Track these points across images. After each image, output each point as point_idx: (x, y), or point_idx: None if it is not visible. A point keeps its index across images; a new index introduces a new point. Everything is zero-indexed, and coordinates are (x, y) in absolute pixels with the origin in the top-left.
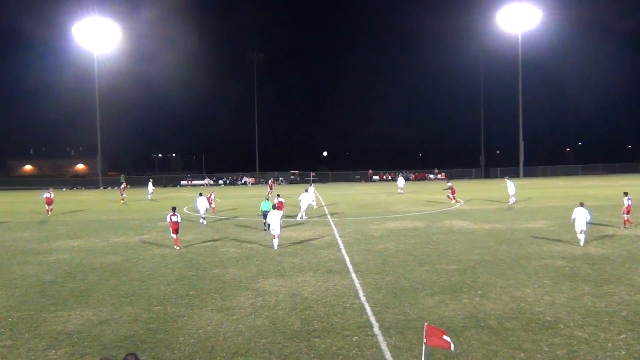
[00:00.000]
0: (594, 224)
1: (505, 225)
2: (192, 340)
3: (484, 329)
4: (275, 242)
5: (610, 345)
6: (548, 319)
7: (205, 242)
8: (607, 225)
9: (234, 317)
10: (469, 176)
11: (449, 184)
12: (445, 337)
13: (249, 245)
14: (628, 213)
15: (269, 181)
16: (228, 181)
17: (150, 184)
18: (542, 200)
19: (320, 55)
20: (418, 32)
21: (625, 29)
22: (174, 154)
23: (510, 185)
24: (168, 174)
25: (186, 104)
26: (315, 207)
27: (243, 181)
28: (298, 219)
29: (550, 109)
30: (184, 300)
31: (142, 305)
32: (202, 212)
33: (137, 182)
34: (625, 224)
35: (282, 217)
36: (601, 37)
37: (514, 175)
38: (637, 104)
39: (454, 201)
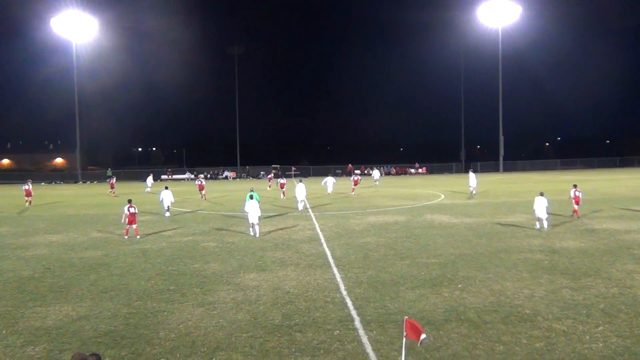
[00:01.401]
0: (571, 217)
1: (485, 219)
2: (173, 336)
3: (464, 322)
4: (257, 229)
5: (588, 337)
6: (527, 312)
7: (185, 236)
8: (585, 218)
9: (215, 312)
10: (449, 170)
11: (357, 176)
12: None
13: (230, 240)
14: (577, 204)
15: (269, 175)
16: (209, 175)
17: (150, 177)
18: (522, 195)
19: (302, 49)
20: (399, 26)
21: (604, 24)
22: (154, 148)
23: (472, 178)
24: (148, 168)
25: (167, 98)
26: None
27: (224, 175)
28: (300, 208)
29: (530, 104)
30: (165, 295)
31: (122, 300)
32: (166, 205)
33: (119, 176)
34: (573, 214)
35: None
36: (580, 32)
37: (493, 169)
38: (616, 99)
39: (353, 193)
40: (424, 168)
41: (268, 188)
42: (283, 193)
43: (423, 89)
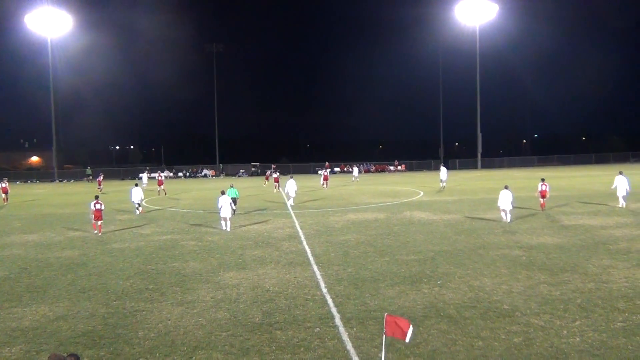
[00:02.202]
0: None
1: (463, 216)
2: (152, 335)
3: (443, 318)
4: (228, 224)
5: (565, 332)
6: (505, 307)
7: (164, 235)
8: (562, 215)
9: (195, 311)
10: (428, 168)
11: (275, 174)
12: (408, 331)
13: (210, 239)
14: (543, 197)
15: (267, 172)
16: (188, 174)
17: (145, 174)
18: (500, 191)
19: (281, 47)
20: (378, 24)
21: (580, 22)
22: (132, 146)
23: (443, 172)
24: (126, 166)
25: (145, 95)
26: (293, 195)
27: (203, 173)
28: (289, 204)
29: (508, 101)
30: (144, 294)
31: (100, 300)
32: (136, 201)
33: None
34: (542, 207)
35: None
36: (556, 30)
37: (472, 166)
38: (592, 96)
39: (275, 190)
40: (403, 165)
41: (264, 184)
42: (278, 186)
43: (402, 87)
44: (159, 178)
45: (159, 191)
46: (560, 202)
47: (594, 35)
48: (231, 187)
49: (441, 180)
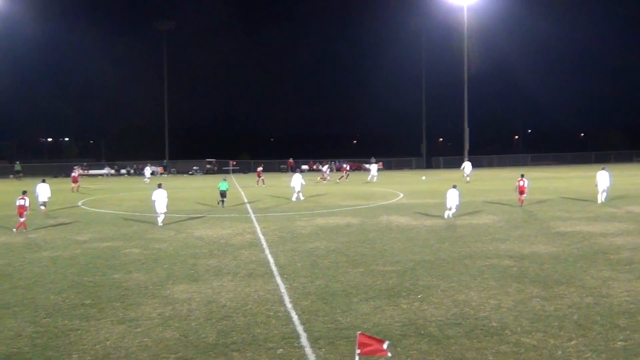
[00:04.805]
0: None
1: (448, 222)
2: (88, 358)
3: (424, 337)
4: (160, 218)
5: (560, 352)
6: (494, 324)
7: (104, 242)
8: (557, 220)
9: (139, 330)
10: (409, 166)
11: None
12: (384, 345)
13: (157, 246)
14: (521, 193)
15: (258, 168)
16: (132, 171)
17: (148, 168)
18: (489, 194)
19: (242, 28)
20: (351, 4)
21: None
22: (66, 139)
23: (467, 166)
24: (60, 161)
25: (82, 81)
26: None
27: (150, 171)
28: (294, 199)
29: (499, 93)
30: (79, 310)
31: (27, 317)
32: (41, 200)
33: (26, 171)
34: (521, 203)
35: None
36: (553, 12)
37: (458, 165)
38: (591, 88)
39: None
40: (381, 163)
41: (256, 184)
42: (262, 181)
43: (380, 74)
44: (74, 174)
45: (72, 188)
46: (556, 206)
47: (595, 19)
48: (224, 179)
49: (466, 175)
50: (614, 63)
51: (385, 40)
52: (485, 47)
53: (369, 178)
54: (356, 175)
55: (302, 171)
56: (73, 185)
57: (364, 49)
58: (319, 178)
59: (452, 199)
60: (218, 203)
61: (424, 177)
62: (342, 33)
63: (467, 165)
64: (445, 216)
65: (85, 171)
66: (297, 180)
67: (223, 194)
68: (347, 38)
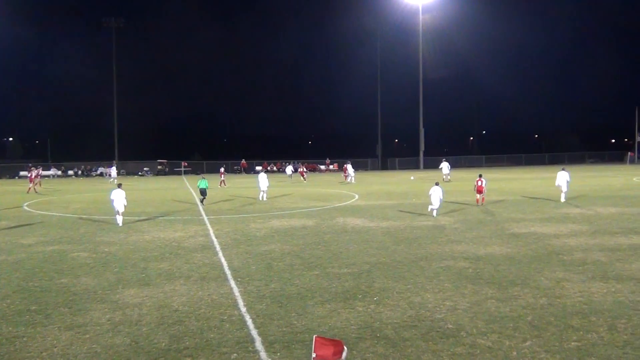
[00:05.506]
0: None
1: (404, 223)
2: None
3: (380, 340)
4: (119, 218)
5: (514, 353)
6: (449, 326)
7: (50, 245)
8: (512, 221)
9: (87, 336)
10: (364, 167)
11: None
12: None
13: (106, 249)
14: (479, 193)
15: (221, 169)
16: (80, 172)
17: (114, 168)
18: (445, 194)
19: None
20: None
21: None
22: (10, 139)
23: (445, 166)
24: (4, 162)
25: (27, 78)
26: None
27: (99, 172)
28: (259, 198)
29: (454, 93)
30: (24, 316)
31: None
32: None
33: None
34: (477, 202)
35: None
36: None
37: (413, 166)
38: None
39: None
40: (336, 164)
41: (219, 186)
42: (223, 182)
43: (334, 74)
44: (30, 175)
45: (29, 189)
46: (510, 207)
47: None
48: (202, 178)
49: (446, 174)
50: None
51: (341, 41)
52: (441, 48)
53: (348, 179)
54: (310, 177)
55: (267, 172)
56: (30, 185)
57: (319, 50)
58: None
59: (436, 196)
60: (202, 202)
61: (412, 177)
62: (296, 34)
63: (444, 166)
64: (433, 213)
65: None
66: (263, 180)
67: (203, 192)
68: (302, 39)
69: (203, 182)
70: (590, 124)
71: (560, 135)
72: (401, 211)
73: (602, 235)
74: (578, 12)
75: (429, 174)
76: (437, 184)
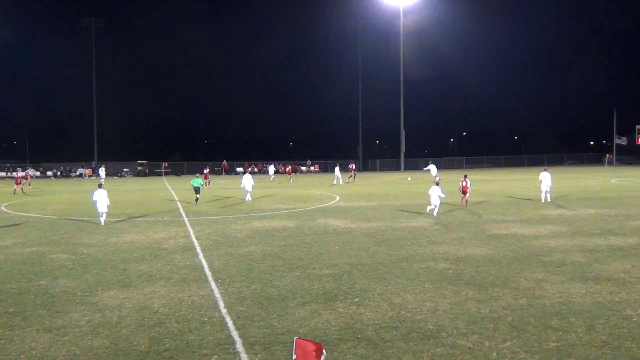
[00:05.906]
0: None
1: (384, 224)
2: None
3: (361, 341)
4: (102, 218)
5: (494, 354)
6: (430, 327)
7: (29, 247)
8: (492, 223)
9: (66, 338)
10: (345, 168)
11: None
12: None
13: (85, 251)
14: (464, 193)
15: (205, 170)
16: (59, 173)
17: (102, 169)
18: (426, 196)
19: (175, 25)
20: (288, 6)
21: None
22: None
23: (433, 169)
24: None
25: (5, 78)
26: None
27: (78, 173)
28: (246, 199)
29: (435, 95)
30: (2, 319)
31: None
32: None
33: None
34: (463, 202)
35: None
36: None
37: (394, 167)
38: (524, 91)
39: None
40: (317, 166)
41: (206, 187)
42: (207, 183)
43: (315, 75)
44: (17, 175)
45: (15, 189)
46: (490, 208)
47: (529, 23)
48: (197, 177)
49: (434, 175)
50: (546, 68)
51: (323, 43)
52: (422, 50)
53: (335, 181)
54: (295, 178)
55: (252, 173)
56: (15, 186)
57: (299, 51)
58: (348, 178)
59: (435, 196)
60: (196, 200)
61: (409, 178)
62: (277, 36)
63: (432, 168)
64: (430, 213)
65: (9, 173)
66: (247, 181)
67: (197, 190)
68: (282, 41)
69: (197, 180)
70: (569, 126)
71: (539, 136)
72: (382, 212)
73: (581, 237)
74: (557, 15)
75: (424, 175)
76: (437, 184)
